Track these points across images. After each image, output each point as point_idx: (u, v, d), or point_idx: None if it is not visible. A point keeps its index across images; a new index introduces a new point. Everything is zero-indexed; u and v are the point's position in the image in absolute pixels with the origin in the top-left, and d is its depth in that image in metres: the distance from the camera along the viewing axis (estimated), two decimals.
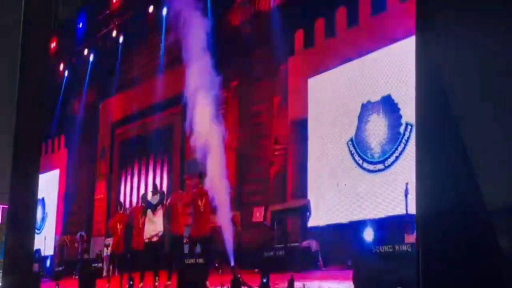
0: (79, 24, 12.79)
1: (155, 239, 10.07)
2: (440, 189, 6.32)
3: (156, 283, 9.76)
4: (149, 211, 10.21)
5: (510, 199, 6.30)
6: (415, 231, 6.31)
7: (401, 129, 6.71)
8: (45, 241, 12.68)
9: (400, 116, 6.74)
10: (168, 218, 9.90)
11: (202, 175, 9.28)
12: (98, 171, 11.94)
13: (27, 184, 13.35)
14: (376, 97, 7.02)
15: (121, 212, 10.99)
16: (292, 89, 8.18)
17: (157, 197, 10.23)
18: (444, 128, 6.52)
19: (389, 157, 6.82)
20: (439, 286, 6.12)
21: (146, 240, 10.17)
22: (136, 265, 10.29)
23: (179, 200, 9.77)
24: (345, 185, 7.23)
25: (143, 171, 10.77)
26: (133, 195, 10.84)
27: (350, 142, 7.26)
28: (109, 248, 10.90)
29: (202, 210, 9.22)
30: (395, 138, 6.77)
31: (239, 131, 8.97)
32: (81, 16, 12.85)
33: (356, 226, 6.97)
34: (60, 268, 12.14)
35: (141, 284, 10.04)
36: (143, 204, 10.42)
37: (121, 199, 11.09)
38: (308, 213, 7.64)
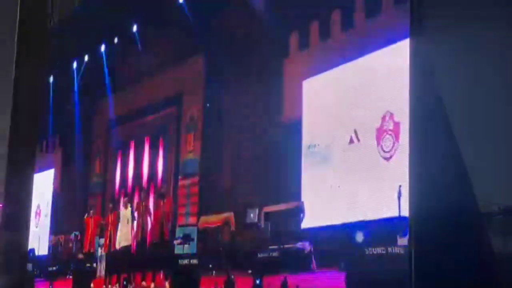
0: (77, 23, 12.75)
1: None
2: (433, 190, 6.31)
3: (150, 284, 9.76)
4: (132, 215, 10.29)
5: (504, 201, 6.31)
6: (408, 233, 6.32)
7: (394, 131, 6.73)
8: (39, 241, 12.65)
9: (393, 116, 6.76)
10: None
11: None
12: (93, 171, 11.95)
13: (22, 183, 13.34)
14: (370, 99, 7.04)
15: (111, 212, 11.00)
16: (287, 91, 8.19)
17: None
18: (438, 130, 6.52)
19: (382, 159, 6.84)
20: None
21: (133, 242, 10.22)
22: (128, 265, 10.29)
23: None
24: (339, 187, 7.25)
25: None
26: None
27: (343, 145, 7.28)
28: (103, 248, 10.88)
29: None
30: (388, 140, 6.79)
31: (234, 133, 8.97)
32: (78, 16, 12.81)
33: (349, 228, 6.99)
34: (54, 268, 12.11)
35: (133, 284, 10.05)
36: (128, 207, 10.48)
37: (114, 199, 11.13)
38: (301, 215, 7.65)
